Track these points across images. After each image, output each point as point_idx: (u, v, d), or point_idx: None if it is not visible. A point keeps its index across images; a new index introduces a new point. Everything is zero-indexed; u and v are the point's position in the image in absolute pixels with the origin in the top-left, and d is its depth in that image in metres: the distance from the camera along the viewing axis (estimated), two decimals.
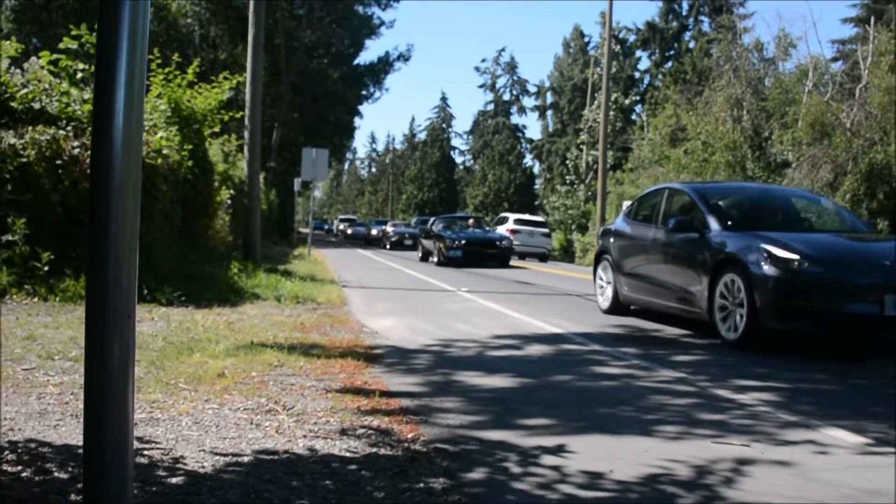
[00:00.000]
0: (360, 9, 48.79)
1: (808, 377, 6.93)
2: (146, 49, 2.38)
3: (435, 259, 25.24)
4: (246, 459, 4.00)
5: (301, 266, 19.86)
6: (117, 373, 2.38)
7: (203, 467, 3.83)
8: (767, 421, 5.13)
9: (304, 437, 4.45)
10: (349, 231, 62.66)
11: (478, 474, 3.93)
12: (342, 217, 75.70)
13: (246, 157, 17.20)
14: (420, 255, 28.25)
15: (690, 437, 4.67)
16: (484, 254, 24.38)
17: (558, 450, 4.35)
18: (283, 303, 11.30)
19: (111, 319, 2.34)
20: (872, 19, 26.72)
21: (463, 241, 24.25)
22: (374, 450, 4.26)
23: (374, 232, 49.74)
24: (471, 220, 28.00)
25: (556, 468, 4.02)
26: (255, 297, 11.64)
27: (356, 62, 51.81)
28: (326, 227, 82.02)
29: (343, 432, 4.57)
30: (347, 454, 4.16)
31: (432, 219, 28.55)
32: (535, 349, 8.15)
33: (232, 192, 17.92)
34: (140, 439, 4.20)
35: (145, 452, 3.98)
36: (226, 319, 9.03)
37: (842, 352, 8.44)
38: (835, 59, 34.83)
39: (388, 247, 41.57)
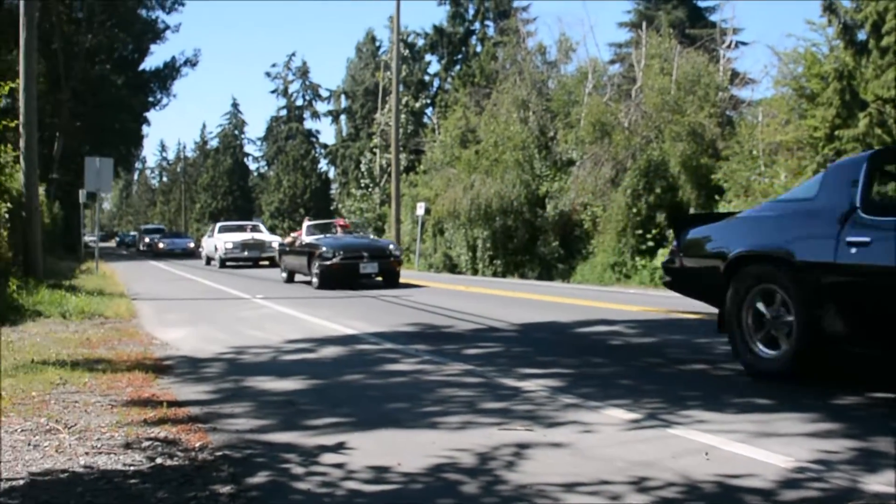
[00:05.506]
0: (144, 12, 47.13)
1: (588, 361, 7.26)
2: None
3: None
4: (21, 482, 3.82)
5: (89, 281, 19.07)
6: None
7: None
8: (549, 405, 5.34)
9: (87, 454, 4.29)
10: (161, 245, 46.80)
11: (261, 478, 3.91)
12: (147, 228, 63.46)
13: (22, 167, 16.30)
14: None
15: (476, 426, 4.80)
16: None
17: (346, 447, 4.38)
18: (68, 319, 10.84)
19: None
20: (644, 24, 28.13)
21: None
22: (160, 461, 4.16)
23: (225, 245, 29.47)
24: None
25: (341, 465, 4.05)
26: (37, 314, 11.09)
27: (142, 68, 49.97)
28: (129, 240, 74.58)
29: (128, 446, 4.45)
30: (131, 468, 4.05)
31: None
32: (329, 351, 8.16)
33: (9, 205, 16.97)
34: None
35: None
36: (4, 339, 8.55)
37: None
38: (613, 62, 36.41)
39: (315, 282, 17.51)
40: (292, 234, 22.66)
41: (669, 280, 7.42)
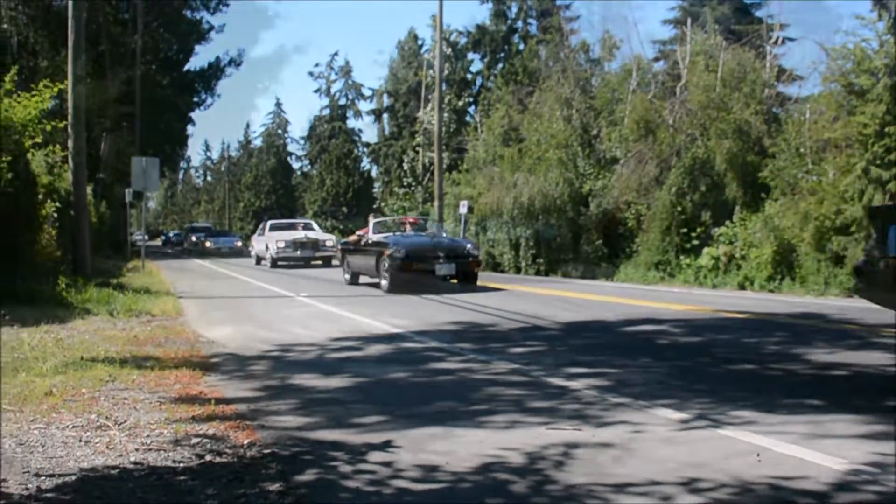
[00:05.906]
0: (189, 13, 47.55)
1: (636, 360, 7.20)
2: None
3: None
4: (73, 478, 3.86)
5: (136, 279, 19.25)
6: None
7: (27, 489, 3.67)
8: (597, 405, 5.30)
9: (137, 450, 4.33)
10: (207, 244, 46.05)
11: (309, 476, 3.92)
12: (193, 226, 63.12)
13: (70, 167, 16.54)
14: None
15: (524, 426, 4.78)
16: None
17: (393, 445, 4.38)
18: (115, 317, 10.93)
19: None
20: (689, 21, 27.85)
21: None
22: (209, 458, 4.19)
23: (277, 244, 27.85)
24: None
25: (388, 464, 4.05)
26: (85, 312, 11.21)
27: (186, 68, 50.40)
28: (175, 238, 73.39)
29: (177, 443, 4.48)
30: (181, 464, 4.08)
31: None
32: (374, 349, 8.17)
33: (58, 204, 17.23)
34: None
35: None
36: (54, 336, 8.67)
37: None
38: (657, 59, 36.00)
39: (385, 285, 16.50)
40: (358, 232, 20.41)
41: (864, 287, 5.95)
